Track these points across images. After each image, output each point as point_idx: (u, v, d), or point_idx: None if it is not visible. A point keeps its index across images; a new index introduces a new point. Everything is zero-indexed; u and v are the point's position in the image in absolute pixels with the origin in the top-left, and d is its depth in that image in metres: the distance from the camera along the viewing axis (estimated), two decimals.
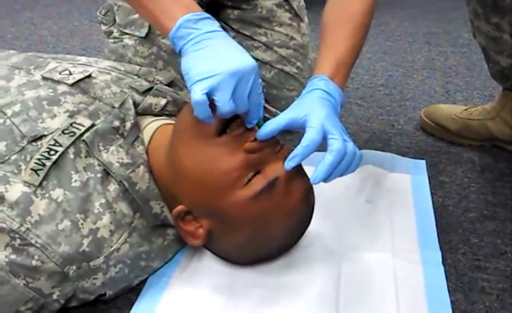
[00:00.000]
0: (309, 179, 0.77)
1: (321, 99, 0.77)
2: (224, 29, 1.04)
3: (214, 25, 0.71)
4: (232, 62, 0.67)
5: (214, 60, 0.67)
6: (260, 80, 0.70)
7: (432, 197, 0.97)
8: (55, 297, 0.69)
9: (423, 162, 1.09)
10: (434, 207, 0.95)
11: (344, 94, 0.82)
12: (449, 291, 0.77)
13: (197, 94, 0.65)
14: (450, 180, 1.05)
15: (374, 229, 0.89)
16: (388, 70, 1.60)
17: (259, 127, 0.73)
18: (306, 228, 0.81)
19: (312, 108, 0.75)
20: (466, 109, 1.18)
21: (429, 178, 1.03)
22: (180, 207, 0.75)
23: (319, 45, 0.86)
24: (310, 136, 0.71)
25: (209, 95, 0.65)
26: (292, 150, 0.72)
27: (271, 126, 0.73)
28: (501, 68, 1.04)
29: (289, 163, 0.71)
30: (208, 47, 0.68)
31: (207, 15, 0.71)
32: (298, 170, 0.75)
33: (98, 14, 1.27)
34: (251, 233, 0.74)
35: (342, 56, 0.82)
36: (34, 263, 0.66)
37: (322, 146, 0.72)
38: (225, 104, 0.66)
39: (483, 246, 0.87)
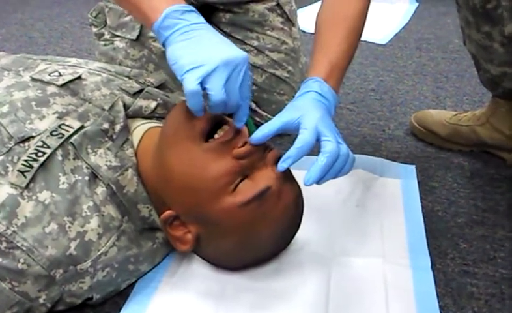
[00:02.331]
0: (298, 184, 0.77)
1: (315, 101, 0.77)
2: None
3: (200, 18, 0.70)
4: (223, 52, 0.66)
5: (205, 50, 0.66)
6: (251, 78, 0.70)
7: (422, 202, 0.98)
8: (41, 300, 0.68)
9: (413, 167, 1.09)
10: (423, 212, 0.95)
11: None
12: (437, 296, 0.77)
13: (191, 83, 0.63)
14: (439, 185, 1.05)
15: (364, 234, 0.89)
16: (379, 75, 1.61)
17: (249, 130, 0.73)
18: (295, 233, 0.80)
19: (306, 110, 0.75)
20: (456, 115, 1.18)
21: (419, 183, 1.03)
22: (167, 212, 0.74)
23: (313, 48, 0.86)
24: (303, 137, 0.71)
25: (201, 85, 0.64)
26: (283, 153, 0.72)
27: (265, 130, 0.72)
28: (491, 76, 1.04)
29: (282, 165, 0.71)
30: (196, 38, 0.67)
31: (193, 8, 0.70)
32: (288, 175, 0.75)
33: (89, 15, 1.27)
34: (239, 239, 0.74)
35: (336, 58, 0.82)
36: (20, 266, 0.65)
37: (313, 151, 0.72)
38: (217, 92, 0.64)
39: (472, 252, 0.87)
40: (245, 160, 0.71)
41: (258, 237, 0.74)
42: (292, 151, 0.70)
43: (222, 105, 0.66)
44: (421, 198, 0.99)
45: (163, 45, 0.69)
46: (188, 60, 0.65)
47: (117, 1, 0.77)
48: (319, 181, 0.71)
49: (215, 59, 0.64)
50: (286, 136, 1.15)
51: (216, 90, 0.64)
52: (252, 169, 0.72)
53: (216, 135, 0.73)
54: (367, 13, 0.88)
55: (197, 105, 0.66)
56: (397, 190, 1.01)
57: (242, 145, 0.71)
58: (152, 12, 0.69)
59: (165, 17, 0.68)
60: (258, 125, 0.73)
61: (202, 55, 0.65)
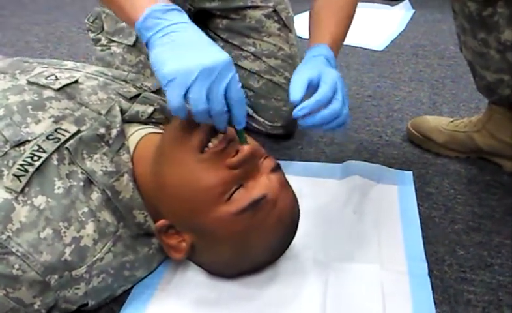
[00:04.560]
0: (294, 192, 0.77)
1: (327, 64, 0.81)
2: (213, 39, 1.04)
3: (183, 16, 0.68)
4: (205, 57, 0.64)
5: (186, 56, 0.64)
6: (241, 83, 0.67)
7: (419, 209, 0.98)
8: (36, 306, 0.68)
9: (410, 173, 1.09)
10: (420, 218, 0.95)
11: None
12: (435, 303, 0.76)
13: (174, 100, 0.63)
14: (436, 191, 1.05)
15: (361, 240, 0.89)
16: (376, 81, 1.61)
17: (240, 139, 0.71)
18: (291, 241, 0.80)
19: (324, 69, 0.79)
20: (453, 121, 1.18)
21: (416, 189, 1.03)
22: (162, 221, 0.74)
23: (310, 30, 0.91)
24: (324, 91, 0.74)
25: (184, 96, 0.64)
26: (277, 160, 0.71)
27: (298, 86, 0.74)
28: (487, 82, 1.05)
29: (297, 113, 0.73)
30: (178, 40, 0.65)
31: (176, 6, 0.68)
32: (283, 183, 0.74)
33: (86, 21, 1.26)
34: (234, 248, 0.73)
35: (336, 34, 0.88)
36: (14, 272, 0.65)
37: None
38: (198, 103, 0.63)
39: (469, 258, 0.87)
40: (239, 169, 0.70)
41: (253, 245, 0.74)
42: (311, 101, 0.73)
43: (205, 114, 0.65)
44: (418, 204, 0.99)
45: (146, 46, 0.67)
46: (169, 68, 0.63)
47: (104, 2, 0.76)
48: (305, 116, 0.73)
49: (196, 67, 0.62)
50: (284, 142, 1.15)
51: (197, 101, 0.63)
52: (247, 178, 0.71)
53: (211, 144, 0.72)
54: (357, 3, 0.94)
55: (183, 117, 0.66)
56: (394, 197, 1.01)
57: (235, 154, 0.70)
58: (135, 11, 0.67)
59: (146, 17, 0.66)
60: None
61: (182, 62, 0.63)
